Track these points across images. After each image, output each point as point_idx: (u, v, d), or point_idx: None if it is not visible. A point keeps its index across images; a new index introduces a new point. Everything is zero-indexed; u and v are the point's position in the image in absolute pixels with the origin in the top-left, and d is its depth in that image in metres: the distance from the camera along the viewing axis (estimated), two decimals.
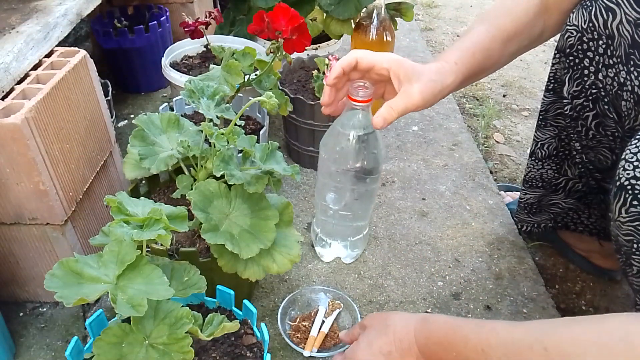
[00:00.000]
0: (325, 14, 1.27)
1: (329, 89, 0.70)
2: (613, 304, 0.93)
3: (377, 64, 0.68)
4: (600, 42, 0.71)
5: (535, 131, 0.91)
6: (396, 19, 1.26)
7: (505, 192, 1.17)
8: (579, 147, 0.83)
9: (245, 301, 0.68)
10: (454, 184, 1.15)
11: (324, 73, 1.04)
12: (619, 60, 0.69)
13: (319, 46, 1.38)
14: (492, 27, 0.74)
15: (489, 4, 2.39)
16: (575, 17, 0.74)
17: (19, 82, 0.73)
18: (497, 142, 1.41)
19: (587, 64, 0.75)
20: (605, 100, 0.74)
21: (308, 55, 1.19)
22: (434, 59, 0.76)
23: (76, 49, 0.81)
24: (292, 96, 1.04)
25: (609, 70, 0.71)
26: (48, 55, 0.80)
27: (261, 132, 1.00)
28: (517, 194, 1.16)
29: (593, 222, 0.94)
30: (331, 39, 1.38)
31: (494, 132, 1.45)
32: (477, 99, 1.62)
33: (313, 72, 1.09)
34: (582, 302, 0.94)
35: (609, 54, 0.71)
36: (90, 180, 0.83)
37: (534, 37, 0.78)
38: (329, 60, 1.04)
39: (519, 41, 0.76)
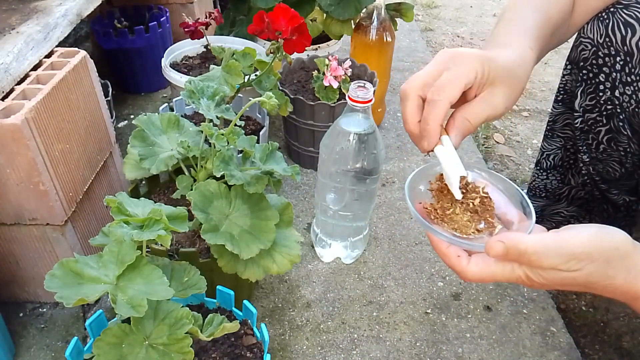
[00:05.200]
0: (325, 15, 1.27)
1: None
2: (613, 304, 0.93)
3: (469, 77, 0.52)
4: (618, 58, 0.69)
5: (542, 141, 0.90)
6: (396, 19, 1.26)
7: None
8: (587, 159, 0.81)
9: (245, 301, 0.68)
10: None
11: (323, 74, 1.04)
12: (638, 78, 0.67)
13: (319, 47, 1.38)
14: (544, 14, 0.65)
15: (489, 5, 2.39)
16: (590, 29, 0.71)
17: (19, 83, 0.73)
18: (497, 142, 1.41)
19: (602, 80, 0.72)
20: (621, 117, 0.72)
21: (308, 55, 1.19)
22: (493, 42, 0.61)
23: (76, 49, 0.81)
24: (292, 97, 1.04)
25: (627, 87, 0.69)
26: (48, 56, 0.80)
27: (261, 133, 1.00)
28: None
29: None
30: (331, 39, 1.38)
31: (493, 133, 1.45)
32: None
33: (313, 72, 1.09)
34: (582, 302, 0.94)
35: (627, 71, 0.68)
36: (90, 180, 0.83)
37: (563, 34, 0.73)
38: (329, 60, 1.04)
39: (558, 34, 0.69)
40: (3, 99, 0.69)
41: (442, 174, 0.55)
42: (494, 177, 0.57)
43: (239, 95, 1.04)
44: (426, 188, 0.56)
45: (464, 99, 0.54)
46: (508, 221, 0.53)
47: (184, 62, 1.21)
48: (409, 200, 0.52)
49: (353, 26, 1.24)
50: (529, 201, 0.52)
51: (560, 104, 0.84)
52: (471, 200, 0.53)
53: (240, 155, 0.76)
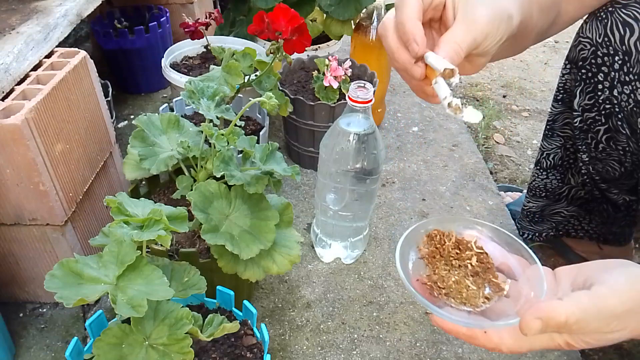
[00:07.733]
0: (325, 15, 1.27)
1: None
2: None
3: None
4: (617, 57, 0.69)
5: (542, 141, 0.90)
6: None
7: (505, 192, 1.17)
8: (587, 159, 0.82)
9: (245, 302, 0.68)
10: (454, 185, 1.15)
11: (323, 74, 1.04)
12: (636, 77, 0.67)
13: (319, 47, 1.38)
14: None
15: None
16: (589, 29, 0.72)
17: (19, 83, 0.73)
18: (497, 142, 1.41)
19: (601, 79, 0.72)
20: (619, 116, 0.72)
21: (308, 56, 1.19)
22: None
23: (76, 49, 0.81)
24: (292, 97, 1.04)
25: (625, 87, 0.69)
26: (48, 56, 0.80)
27: (261, 133, 1.00)
28: (517, 194, 1.16)
29: (593, 228, 0.94)
30: (331, 39, 1.38)
31: (494, 133, 1.45)
32: (477, 100, 1.62)
33: (313, 72, 1.09)
34: None
35: (625, 70, 0.68)
36: (91, 180, 0.83)
37: (551, 22, 0.67)
38: (329, 61, 1.04)
39: (546, 18, 0.64)
40: (3, 99, 0.69)
41: (428, 235, 0.52)
42: (481, 225, 0.54)
43: (239, 95, 1.04)
44: (417, 257, 0.53)
45: (443, 26, 0.51)
46: (510, 271, 0.50)
47: (184, 62, 1.21)
48: (405, 280, 0.48)
49: (353, 26, 1.24)
50: (522, 242, 0.50)
51: (559, 103, 0.84)
52: (468, 262, 0.50)
53: (240, 155, 0.76)
